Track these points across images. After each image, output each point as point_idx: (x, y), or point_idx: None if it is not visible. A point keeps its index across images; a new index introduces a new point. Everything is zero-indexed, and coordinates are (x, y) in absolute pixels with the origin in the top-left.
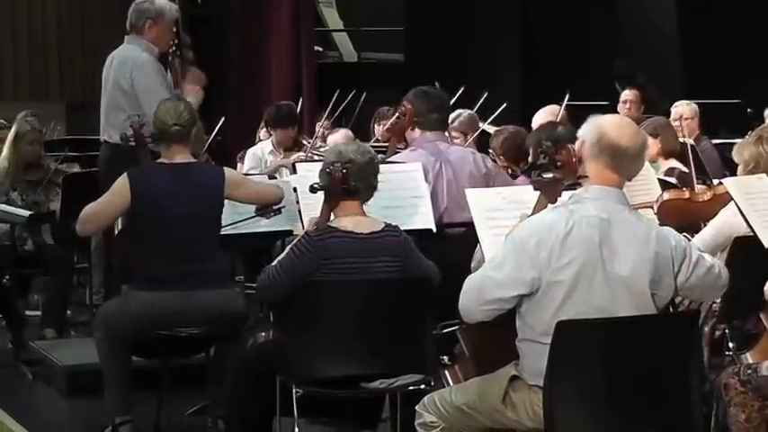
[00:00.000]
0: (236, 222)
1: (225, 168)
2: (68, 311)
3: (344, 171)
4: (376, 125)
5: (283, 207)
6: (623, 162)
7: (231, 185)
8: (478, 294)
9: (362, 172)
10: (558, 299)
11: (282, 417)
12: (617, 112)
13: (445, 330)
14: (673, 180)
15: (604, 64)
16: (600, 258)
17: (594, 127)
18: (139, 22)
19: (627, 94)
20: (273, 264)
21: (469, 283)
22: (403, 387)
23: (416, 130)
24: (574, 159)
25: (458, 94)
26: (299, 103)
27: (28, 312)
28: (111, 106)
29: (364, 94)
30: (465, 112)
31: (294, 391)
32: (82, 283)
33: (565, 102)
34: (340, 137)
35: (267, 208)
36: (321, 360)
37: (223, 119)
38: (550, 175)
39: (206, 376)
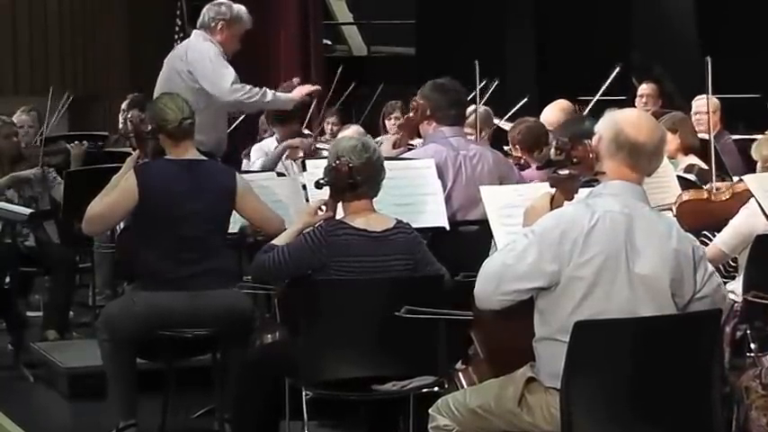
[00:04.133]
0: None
1: (237, 174)
2: (71, 312)
3: (350, 165)
4: (386, 120)
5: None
6: (642, 158)
7: (241, 193)
8: (498, 284)
9: (365, 169)
10: (578, 296)
11: (291, 420)
12: (634, 107)
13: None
14: (692, 177)
15: (620, 57)
16: (624, 255)
17: (611, 123)
18: (212, 22)
19: (644, 89)
20: (281, 246)
21: (487, 270)
22: (416, 389)
23: (432, 124)
24: (591, 155)
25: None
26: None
27: (29, 313)
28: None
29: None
30: (480, 108)
31: (304, 393)
32: (84, 284)
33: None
34: (351, 134)
35: (254, 233)
36: (331, 361)
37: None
38: (566, 172)
39: (212, 378)
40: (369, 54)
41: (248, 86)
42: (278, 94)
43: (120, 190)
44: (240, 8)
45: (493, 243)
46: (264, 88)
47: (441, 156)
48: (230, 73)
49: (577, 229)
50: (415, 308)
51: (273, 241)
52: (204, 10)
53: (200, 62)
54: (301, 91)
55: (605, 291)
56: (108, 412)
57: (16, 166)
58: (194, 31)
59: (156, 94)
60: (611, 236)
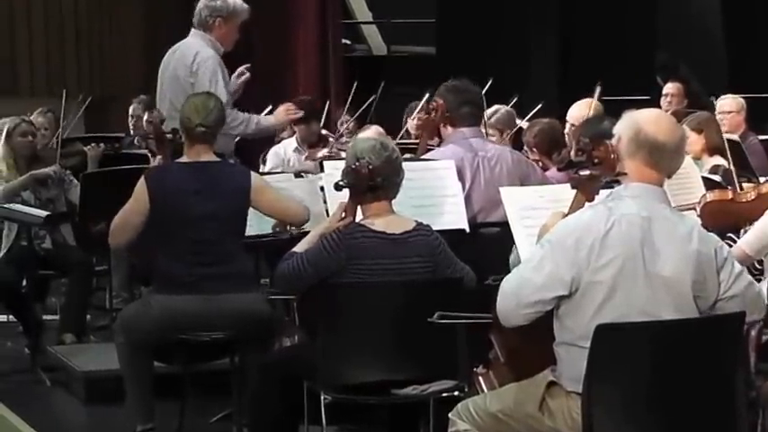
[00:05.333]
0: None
1: (252, 171)
2: (88, 316)
3: (370, 167)
4: (409, 120)
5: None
6: (662, 158)
7: (256, 190)
8: (518, 298)
9: (385, 169)
10: (598, 300)
11: (310, 425)
12: (659, 107)
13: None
14: (717, 178)
15: (645, 57)
16: (641, 258)
17: (631, 123)
18: (209, 19)
19: (669, 88)
20: (299, 253)
21: (506, 286)
22: (436, 393)
23: (449, 126)
24: (612, 156)
25: (486, 87)
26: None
27: (46, 317)
28: (170, 102)
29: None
30: (502, 109)
31: (322, 397)
32: (101, 287)
33: (596, 94)
34: (371, 134)
35: (285, 228)
36: (350, 365)
37: (270, 108)
38: (587, 173)
39: (230, 383)
40: (389, 53)
41: (235, 113)
42: (261, 120)
43: (134, 198)
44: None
45: (514, 247)
46: (250, 116)
47: (458, 157)
48: (223, 98)
49: (593, 233)
50: (448, 313)
51: (294, 248)
52: (199, 7)
53: (202, 82)
54: (282, 115)
55: (625, 295)
56: (125, 416)
57: (31, 167)
58: (193, 30)
59: (159, 95)
60: (627, 239)
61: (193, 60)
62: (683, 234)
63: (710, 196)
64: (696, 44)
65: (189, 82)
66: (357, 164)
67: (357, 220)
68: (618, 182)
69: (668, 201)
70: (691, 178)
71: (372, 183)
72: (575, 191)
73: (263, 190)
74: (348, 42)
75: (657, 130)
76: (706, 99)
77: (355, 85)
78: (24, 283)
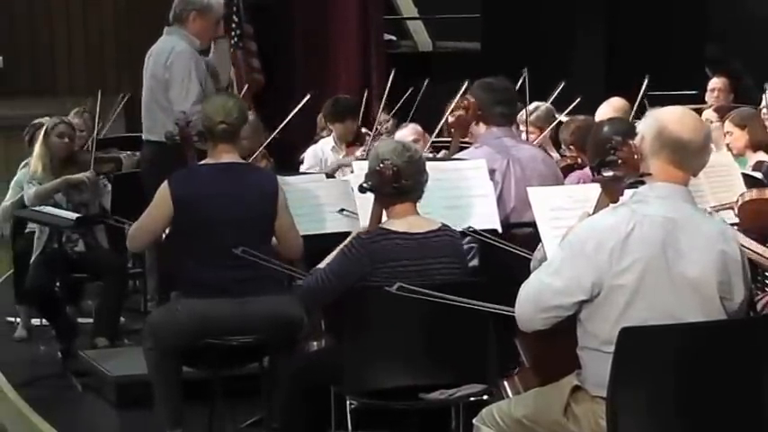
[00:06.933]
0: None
1: (278, 179)
2: (122, 319)
3: (395, 169)
4: (450, 118)
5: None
6: (686, 156)
7: (281, 200)
8: (536, 302)
9: (409, 170)
10: (621, 304)
11: (337, 430)
12: (705, 102)
13: None
14: (759, 175)
15: (695, 51)
16: (664, 260)
17: (653, 121)
18: (184, 13)
19: (715, 82)
20: (322, 267)
21: (526, 290)
22: (464, 398)
23: (481, 124)
24: (636, 156)
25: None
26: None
27: (81, 320)
28: (151, 101)
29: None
30: (543, 106)
31: (348, 402)
32: (137, 289)
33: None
34: (408, 132)
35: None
36: (377, 370)
37: (308, 97)
38: (611, 173)
39: (260, 387)
40: (434, 50)
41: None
42: None
43: (155, 202)
44: None
45: (540, 246)
46: None
47: (489, 157)
48: (194, 93)
49: (614, 236)
50: None
51: (319, 265)
52: (174, 2)
53: (176, 79)
54: None
55: (649, 298)
56: (155, 421)
57: (66, 170)
58: (167, 28)
59: (143, 99)
60: (650, 240)
61: (168, 56)
62: (709, 233)
63: (749, 195)
64: (749, 38)
65: (164, 77)
66: (381, 165)
67: (381, 222)
68: (643, 182)
69: (693, 200)
70: (731, 176)
71: (397, 185)
72: (591, 209)
73: (283, 204)
74: (393, 38)
75: (681, 128)
76: (759, 94)
77: (390, 80)
78: (57, 286)
